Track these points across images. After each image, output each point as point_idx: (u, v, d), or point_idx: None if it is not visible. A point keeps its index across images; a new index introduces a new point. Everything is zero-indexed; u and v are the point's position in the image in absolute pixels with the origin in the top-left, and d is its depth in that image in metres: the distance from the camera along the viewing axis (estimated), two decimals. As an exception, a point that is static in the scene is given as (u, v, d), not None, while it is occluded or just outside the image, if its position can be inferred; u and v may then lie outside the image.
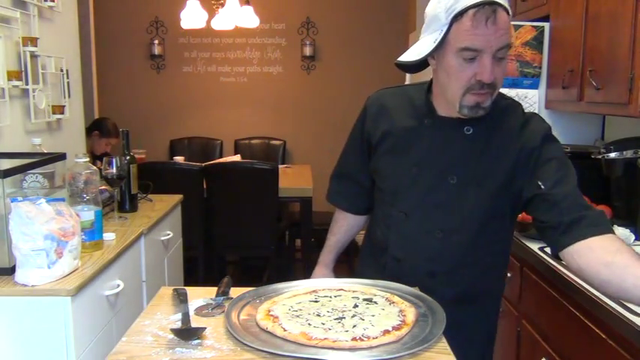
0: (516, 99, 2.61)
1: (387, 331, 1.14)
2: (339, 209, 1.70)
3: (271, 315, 1.22)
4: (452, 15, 1.21)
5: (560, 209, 1.26)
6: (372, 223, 1.59)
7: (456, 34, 1.23)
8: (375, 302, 1.29)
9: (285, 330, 1.15)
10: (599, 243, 1.19)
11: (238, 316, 1.24)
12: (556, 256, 1.31)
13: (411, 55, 1.32)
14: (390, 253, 1.47)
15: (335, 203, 1.69)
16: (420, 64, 1.35)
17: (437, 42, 1.25)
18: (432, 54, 1.28)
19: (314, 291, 1.36)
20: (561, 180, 1.30)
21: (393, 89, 1.54)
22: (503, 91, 2.57)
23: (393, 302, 1.28)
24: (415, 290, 1.36)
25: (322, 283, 1.42)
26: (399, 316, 1.21)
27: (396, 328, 1.15)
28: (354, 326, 1.16)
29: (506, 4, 1.24)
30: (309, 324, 1.17)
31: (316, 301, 1.30)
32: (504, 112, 1.39)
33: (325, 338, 1.11)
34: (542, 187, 1.29)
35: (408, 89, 1.52)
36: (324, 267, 1.70)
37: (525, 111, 1.42)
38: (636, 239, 1.97)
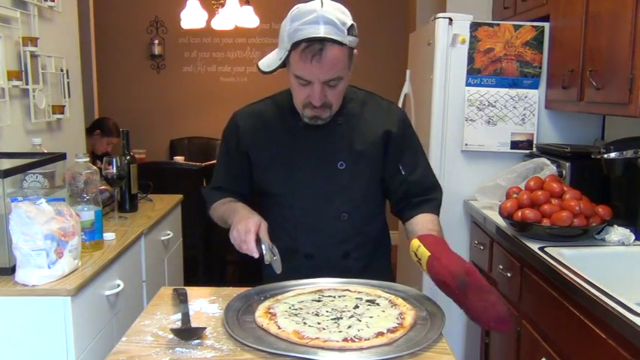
0: (516, 99, 2.66)
1: (380, 334, 1.14)
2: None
3: (270, 312, 1.23)
4: (291, 42, 1.34)
5: (412, 192, 1.57)
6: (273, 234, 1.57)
7: (292, 61, 1.38)
8: (377, 304, 1.29)
9: (279, 328, 1.15)
10: (422, 219, 1.54)
11: (238, 313, 1.25)
12: (398, 216, 1.63)
13: (264, 64, 1.45)
14: (301, 252, 1.54)
15: (219, 198, 1.64)
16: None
17: (281, 60, 1.39)
18: (279, 69, 1.42)
19: (319, 290, 1.37)
20: (416, 166, 1.59)
21: (259, 103, 1.63)
22: (504, 90, 2.62)
23: (396, 304, 1.28)
24: (421, 293, 1.36)
25: (326, 283, 1.42)
26: (397, 318, 1.21)
27: (392, 331, 1.15)
28: (349, 327, 1.16)
29: (340, 38, 1.33)
30: (304, 323, 1.17)
31: (319, 301, 1.30)
32: (365, 101, 1.58)
33: (316, 338, 1.11)
34: (403, 172, 1.56)
35: (275, 98, 1.62)
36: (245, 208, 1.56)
37: (383, 98, 1.61)
38: (636, 239, 1.97)
